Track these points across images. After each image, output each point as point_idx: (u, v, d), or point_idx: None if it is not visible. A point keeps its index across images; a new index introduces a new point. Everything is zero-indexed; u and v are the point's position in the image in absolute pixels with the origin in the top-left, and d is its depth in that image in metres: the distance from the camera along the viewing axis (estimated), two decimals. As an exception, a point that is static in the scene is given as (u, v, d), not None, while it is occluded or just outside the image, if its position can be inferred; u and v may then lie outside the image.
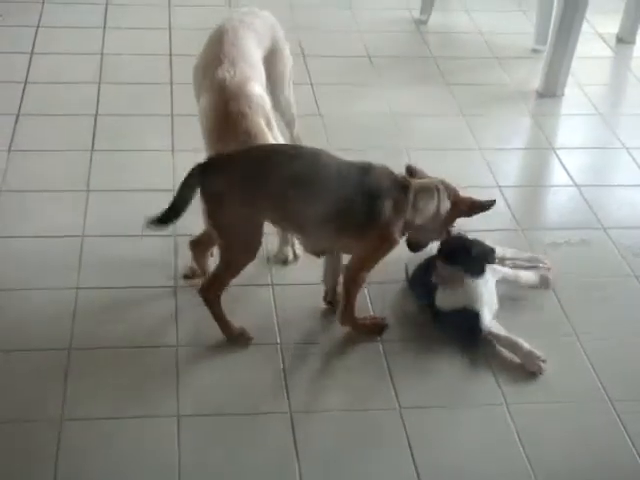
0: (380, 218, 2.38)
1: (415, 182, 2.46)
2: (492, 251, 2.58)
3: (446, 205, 2.47)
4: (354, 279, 2.49)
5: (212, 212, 2.36)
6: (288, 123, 3.13)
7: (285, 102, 3.04)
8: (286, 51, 3.01)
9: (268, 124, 2.61)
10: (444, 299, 2.57)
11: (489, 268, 2.58)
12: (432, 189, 2.46)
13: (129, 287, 2.70)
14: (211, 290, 2.47)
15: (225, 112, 2.56)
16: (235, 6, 4.33)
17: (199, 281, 2.57)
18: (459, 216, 2.50)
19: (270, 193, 2.33)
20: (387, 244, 2.44)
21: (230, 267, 2.45)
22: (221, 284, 2.47)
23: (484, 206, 2.49)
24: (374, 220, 2.38)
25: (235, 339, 2.52)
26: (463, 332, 2.55)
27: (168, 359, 2.46)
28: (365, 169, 2.40)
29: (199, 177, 2.32)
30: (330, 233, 2.42)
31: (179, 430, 2.26)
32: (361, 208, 2.36)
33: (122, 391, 2.37)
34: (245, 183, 2.31)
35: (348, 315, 2.54)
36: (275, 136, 2.61)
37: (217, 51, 2.73)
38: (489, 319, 2.55)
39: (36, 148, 3.29)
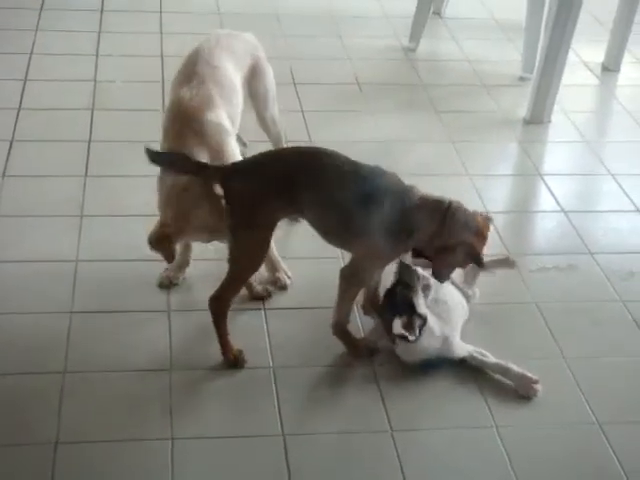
0: (370, 227, 2.40)
1: (424, 197, 2.44)
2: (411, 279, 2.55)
3: (456, 229, 2.42)
4: (347, 279, 2.51)
5: (232, 212, 2.40)
6: (275, 141, 3.18)
7: (270, 120, 3.10)
8: (268, 71, 3.07)
9: (219, 152, 2.60)
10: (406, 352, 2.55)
11: (418, 292, 2.55)
12: (440, 206, 2.43)
13: (123, 311, 2.73)
14: (219, 302, 2.51)
15: (172, 133, 2.60)
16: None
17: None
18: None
19: (290, 195, 2.39)
20: (374, 255, 2.46)
21: (236, 278, 2.50)
22: (228, 296, 2.51)
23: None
24: (366, 227, 2.40)
25: (231, 360, 2.55)
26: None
27: (162, 382, 2.48)
28: (377, 175, 2.42)
29: (223, 178, 2.39)
30: (340, 236, 2.47)
31: (173, 453, 2.28)
32: (361, 213, 2.38)
33: (116, 415, 2.39)
34: (268, 185, 2.39)
35: (339, 322, 2.55)
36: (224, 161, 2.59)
37: (190, 70, 2.77)
38: (458, 342, 2.57)
39: (30, 174, 3.32)
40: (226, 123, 2.69)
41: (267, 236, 2.47)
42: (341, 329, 2.58)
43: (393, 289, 2.56)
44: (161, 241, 2.48)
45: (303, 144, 3.54)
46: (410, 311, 2.49)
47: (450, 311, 2.62)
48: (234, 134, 2.75)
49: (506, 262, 2.88)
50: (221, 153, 2.60)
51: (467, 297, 2.74)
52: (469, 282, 2.78)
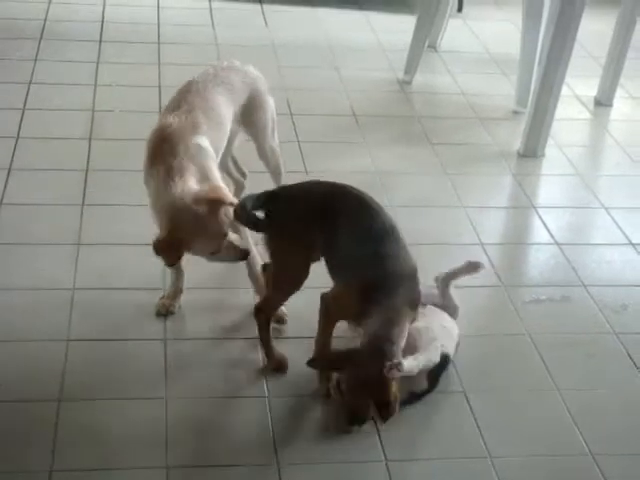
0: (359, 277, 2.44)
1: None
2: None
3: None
4: (322, 308, 2.54)
5: (271, 238, 2.54)
6: (273, 173, 3.20)
7: (270, 151, 3.12)
8: (268, 103, 3.08)
9: (204, 174, 2.66)
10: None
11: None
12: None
13: (119, 339, 2.74)
14: (262, 313, 2.61)
15: (159, 155, 2.64)
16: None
17: None
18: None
19: (323, 228, 2.49)
20: (344, 296, 2.47)
21: (278, 294, 2.62)
22: (271, 308, 2.64)
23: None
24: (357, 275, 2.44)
25: (275, 364, 2.62)
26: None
27: (157, 411, 2.49)
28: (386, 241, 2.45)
29: (266, 203, 2.53)
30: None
31: (168, 482, 2.29)
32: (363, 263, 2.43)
33: (111, 443, 2.39)
34: (305, 215, 2.51)
35: (317, 342, 2.57)
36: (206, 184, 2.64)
37: (180, 98, 2.81)
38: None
39: (28, 202, 3.34)
40: (210, 149, 2.74)
41: (307, 259, 2.55)
42: (319, 362, 2.54)
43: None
44: (168, 246, 2.53)
45: (299, 175, 3.61)
46: None
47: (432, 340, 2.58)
48: (216, 162, 2.79)
49: (470, 267, 2.84)
50: (206, 175, 2.65)
51: (455, 311, 2.75)
52: (446, 296, 2.78)
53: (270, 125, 3.10)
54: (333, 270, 2.54)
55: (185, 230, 2.54)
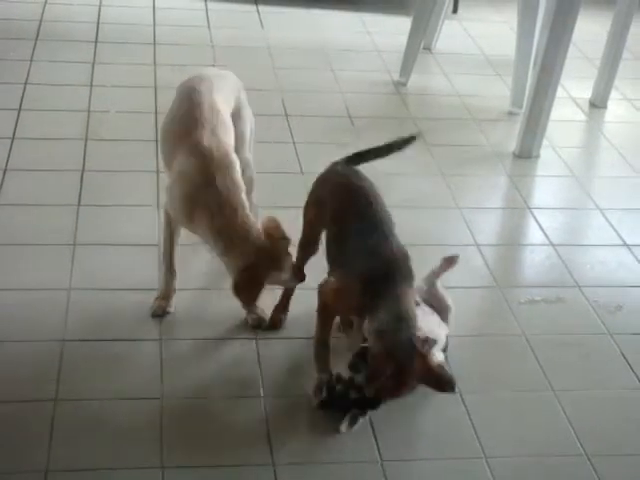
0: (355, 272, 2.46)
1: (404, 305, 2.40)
2: None
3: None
4: (320, 303, 2.56)
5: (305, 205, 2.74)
6: (246, 184, 3.04)
7: (244, 163, 2.98)
8: (248, 112, 3.03)
9: (247, 192, 2.73)
10: None
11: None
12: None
13: (115, 340, 2.74)
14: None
15: (207, 182, 2.62)
16: (220, 65, 4.45)
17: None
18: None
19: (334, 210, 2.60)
20: (344, 289, 2.49)
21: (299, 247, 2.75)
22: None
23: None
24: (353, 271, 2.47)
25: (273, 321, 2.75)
26: None
27: (153, 411, 2.49)
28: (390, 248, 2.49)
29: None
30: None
31: (163, 482, 2.29)
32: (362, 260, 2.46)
33: (106, 444, 2.39)
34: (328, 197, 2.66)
35: (314, 342, 2.58)
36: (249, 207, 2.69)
37: (194, 114, 2.74)
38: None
39: (23, 202, 3.34)
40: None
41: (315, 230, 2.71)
42: (317, 351, 2.57)
43: (333, 386, 2.49)
44: (249, 282, 2.57)
45: (295, 175, 3.62)
46: (348, 407, 2.46)
47: None
48: None
49: (448, 262, 2.85)
50: (247, 193, 2.75)
51: (447, 311, 2.76)
52: (436, 296, 2.79)
53: (248, 136, 3.03)
54: (332, 258, 2.58)
55: (264, 266, 2.58)
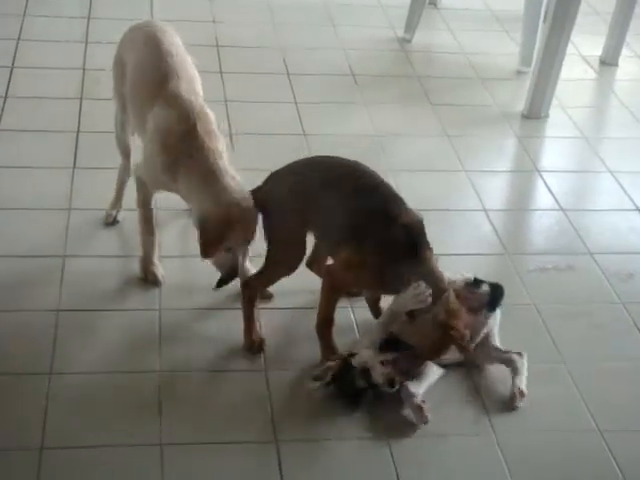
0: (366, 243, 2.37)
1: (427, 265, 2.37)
2: None
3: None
4: (328, 281, 2.47)
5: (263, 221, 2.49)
6: None
7: None
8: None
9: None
10: None
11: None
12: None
13: (112, 310, 2.65)
14: (249, 289, 2.54)
15: (189, 132, 2.50)
16: (219, 20, 4.33)
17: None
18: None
19: (310, 199, 2.44)
20: (361, 264, 2.39)
21: (270, 275, 2.55)
22: (259, 284, 2.56)
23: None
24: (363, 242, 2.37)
25: (248, 344, 2.52)
26: None
27: (150, 384, 2.41)
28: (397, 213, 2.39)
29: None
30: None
31: (162, 459, 2.21)
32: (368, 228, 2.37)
33: (103, 417, 2.31)
34: (294, 193, 2.46)
35: (319, 320, 2.50)
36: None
37: (166, 64, 2.62)
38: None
39: (16, 165, 3.23)
40: None
41: (293, 241, 2.51)
42: (322, 330, 2.50)
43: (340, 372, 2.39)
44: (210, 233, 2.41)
45: (297, 137, 3.51)
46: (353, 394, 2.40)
47: None
48: None
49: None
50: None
51: None
52: None
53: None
54: (334, 239, 2.46)
55: (228, 224, 2.40)
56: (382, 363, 2.34)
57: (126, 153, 2.95)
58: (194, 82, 2.65)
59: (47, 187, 3.13)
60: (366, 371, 2.34)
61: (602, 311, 2.82)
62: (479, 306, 2.46)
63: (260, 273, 2.55)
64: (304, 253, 2.53)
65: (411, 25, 4.38)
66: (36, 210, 3.02)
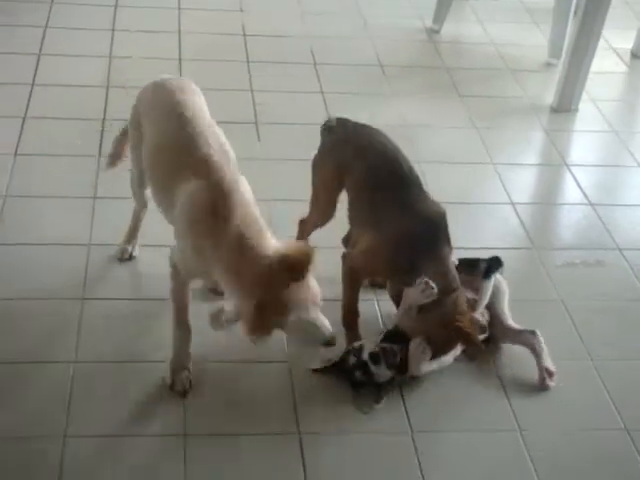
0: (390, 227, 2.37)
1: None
2: None
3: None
4: (347, 269, 2.47)
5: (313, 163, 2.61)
6: None
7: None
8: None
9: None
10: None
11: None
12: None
13: (135, 299, 2.65)
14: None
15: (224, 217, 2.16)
16: (246, 9, 4.30)
17: None
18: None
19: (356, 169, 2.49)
20: (376, 250, 2.39)
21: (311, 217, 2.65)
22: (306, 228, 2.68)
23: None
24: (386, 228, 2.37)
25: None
26: None
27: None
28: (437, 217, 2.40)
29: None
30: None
31: (185, 449, 2.20)
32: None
33: (126, 409, 2.31)
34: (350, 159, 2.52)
35: (344, 311, 2.50)
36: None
37: (192, 132, 2.30)
38: None
39: (42, 152, 3.23)
40: None
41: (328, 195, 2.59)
42: (347, 321, 2.50)
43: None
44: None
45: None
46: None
47: None
48: None
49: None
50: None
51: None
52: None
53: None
54: (360, 220, 2.49)
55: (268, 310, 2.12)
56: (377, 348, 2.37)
57: (142, 204, 2.72)
58: (226, 149, 2.33)
59: (73, 175, 3.12)
60: (359, 349, 2.38)
61: (631, 307, 2.79)
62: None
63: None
64: (334, 210, 2.58)
65: (440, 16, 4.34)
66: (61, 198, 3.01)
